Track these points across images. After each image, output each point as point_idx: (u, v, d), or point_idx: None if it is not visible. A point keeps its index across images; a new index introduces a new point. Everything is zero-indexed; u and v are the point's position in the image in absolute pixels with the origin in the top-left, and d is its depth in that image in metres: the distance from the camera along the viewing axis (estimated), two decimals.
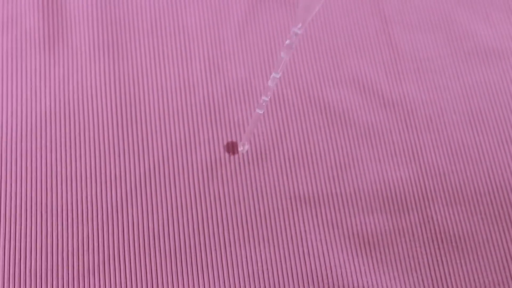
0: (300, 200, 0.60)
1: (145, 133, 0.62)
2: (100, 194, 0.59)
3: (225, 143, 0.62)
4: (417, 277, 0.57)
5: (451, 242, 0.59)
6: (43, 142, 0.61)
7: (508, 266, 0.58)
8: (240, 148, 0.60)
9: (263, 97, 0.50)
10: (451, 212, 0.60)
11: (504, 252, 0.58)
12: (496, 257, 0.58)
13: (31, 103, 0.62)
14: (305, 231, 0.58)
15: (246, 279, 0.56)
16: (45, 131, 0.61)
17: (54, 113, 0.62)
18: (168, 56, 0.66)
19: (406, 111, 0.64)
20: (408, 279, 0.57)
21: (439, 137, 0.63)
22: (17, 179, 0.59)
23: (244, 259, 0.57)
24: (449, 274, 0.57)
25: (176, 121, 0.63)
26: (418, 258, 0.58)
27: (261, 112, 0.51)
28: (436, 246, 0.58)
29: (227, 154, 0.61)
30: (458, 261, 0.58)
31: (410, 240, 0.59)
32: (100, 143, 0.61)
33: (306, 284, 0.56)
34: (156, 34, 0.67)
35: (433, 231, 0.59)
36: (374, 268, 0.57)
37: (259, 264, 0.57)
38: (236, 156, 0.61)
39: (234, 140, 0.62)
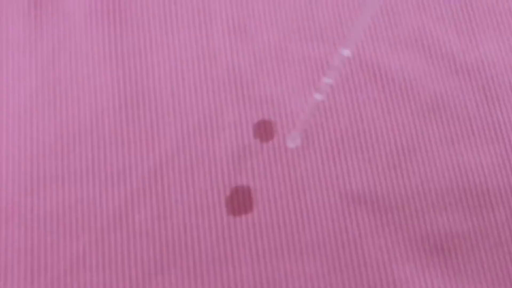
0: (353, 196, 0.54)
1: (155, 117, 0.56)
2: (99, 196, 0.53)
3: (255, 124, 0.56)
4: None
5: None
6: (28, 129, 0.55)
7: None
8: (289, 144, 0.55)
9: (325, 79, 0.43)
10: None
11: None
12: None
13: (16, 82, 0.56)
14: (360, 235, 0.53)
15: None
16: (30, 115, 0.55)
17: (42, 93, 0.56)
18: (183, 19, 0.60)
19: (484, 78, 0.58)
20: None
21: None
22: None
23: (282, 273, 0.51)
24: None
25: (194, 99, 0.56)
26: (507, 266, 0.52)
27: (320, 98, 0.45)
28: None
29: (258, 139, 0.54)
30: None
31: (496, 244, 0.53)
32: (99, 130, 0.55)
33: None
34: None
35: None
36: (451, 280, 0.51)
37: (302, 279, 0.51)
38: (270, 141, 0.55)
39: (266, 119, 0.55)
